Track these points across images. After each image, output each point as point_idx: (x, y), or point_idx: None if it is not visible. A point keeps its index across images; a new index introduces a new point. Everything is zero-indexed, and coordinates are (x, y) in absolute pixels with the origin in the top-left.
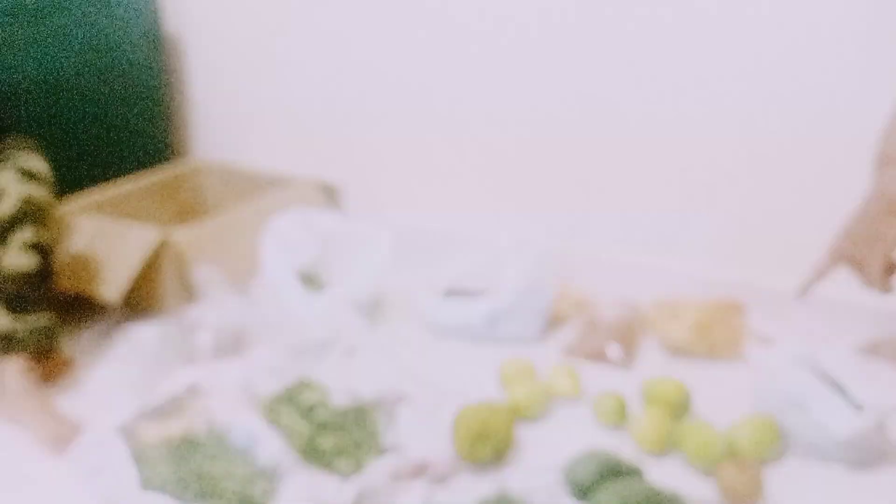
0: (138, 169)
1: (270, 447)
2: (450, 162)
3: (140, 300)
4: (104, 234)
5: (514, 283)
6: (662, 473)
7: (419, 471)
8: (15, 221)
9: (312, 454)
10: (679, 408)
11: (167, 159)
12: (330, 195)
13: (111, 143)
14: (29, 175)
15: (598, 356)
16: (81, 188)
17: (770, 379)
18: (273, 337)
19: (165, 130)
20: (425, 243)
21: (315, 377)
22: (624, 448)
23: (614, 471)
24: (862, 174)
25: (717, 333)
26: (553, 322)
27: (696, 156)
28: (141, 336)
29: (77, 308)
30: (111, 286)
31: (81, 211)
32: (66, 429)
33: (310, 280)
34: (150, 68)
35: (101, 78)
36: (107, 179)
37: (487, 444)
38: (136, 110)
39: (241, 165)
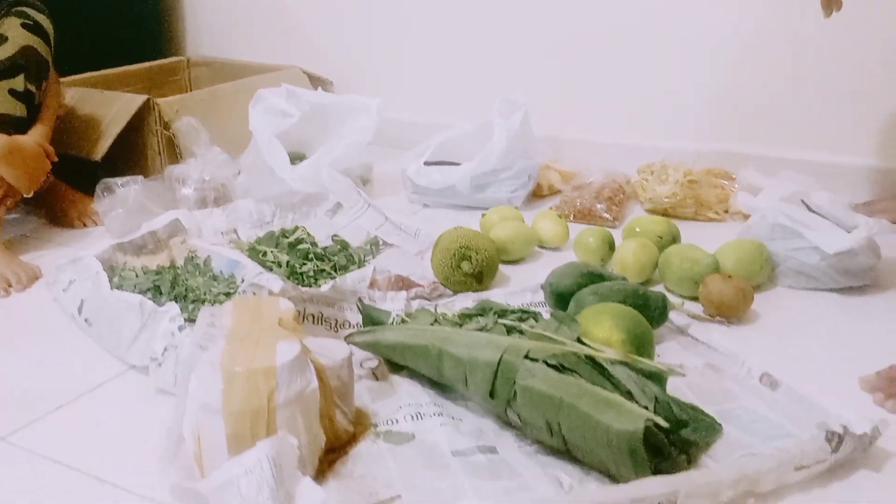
0: (130, 62)
1: (250, 272)
2: (438, 56)
3: (128, 161)
4: (91, 100)
5: (497, 146)
6: None
7: (401, 285)
8: (10, 69)
9: (294, 279)
10: (665, 240)
11: (160, 55)
12: (320, 86)
13: (104, 33)
14: (33, 28)
15: (586, 216)
16: (73, 73)
17: (759, 214)
18: (257, 193)
19: (159, 25)
20: (415, 135)
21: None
22: None
23: (595, 278)
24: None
25: (706, 193)
26: (540, 194)
27: (678, 33)
28: (124, 190)
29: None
30: (96, 145)
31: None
32: (17, 271)
33: (297, 158)
34: None
35: None
36: (97, 68)
37: (470, 262)
38: (131, 3)
39: (232, 59)
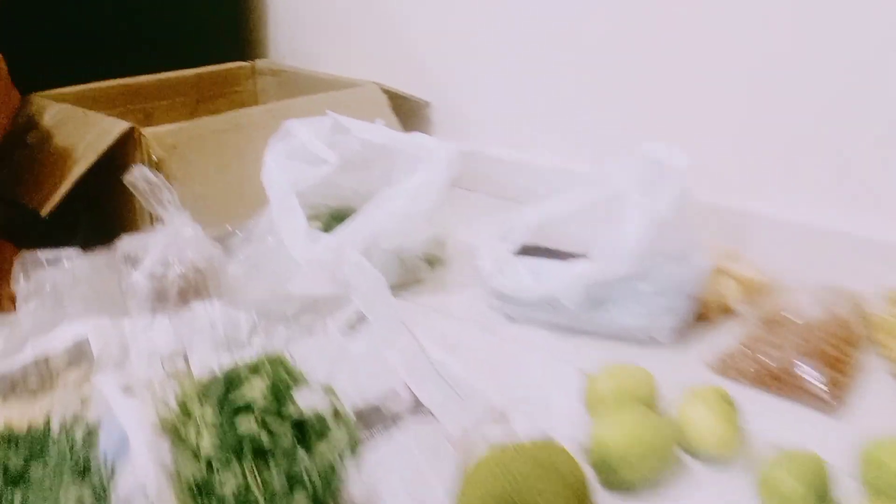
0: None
1: (137, 476)
2: (560, 83)
3: (115, 213)
4: (69, 124)
5: (631, 240)
6: None
7: None
8: None
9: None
10: None
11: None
12: (416, 109)
13: (180, 33)
14: None
15: (779, 381)
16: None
17: None
18: (246, 288)
19: (239, 28)
20: (521, 182)
21: (286, 357)
22: None
23: None
24: None
25: None
26: (706, 316)
27: None
28: (45, 272)
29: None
30: (51, 193)
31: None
32: None
33: (340, 219)
34: None
35: None
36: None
37: None
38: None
39: (309, 70)
